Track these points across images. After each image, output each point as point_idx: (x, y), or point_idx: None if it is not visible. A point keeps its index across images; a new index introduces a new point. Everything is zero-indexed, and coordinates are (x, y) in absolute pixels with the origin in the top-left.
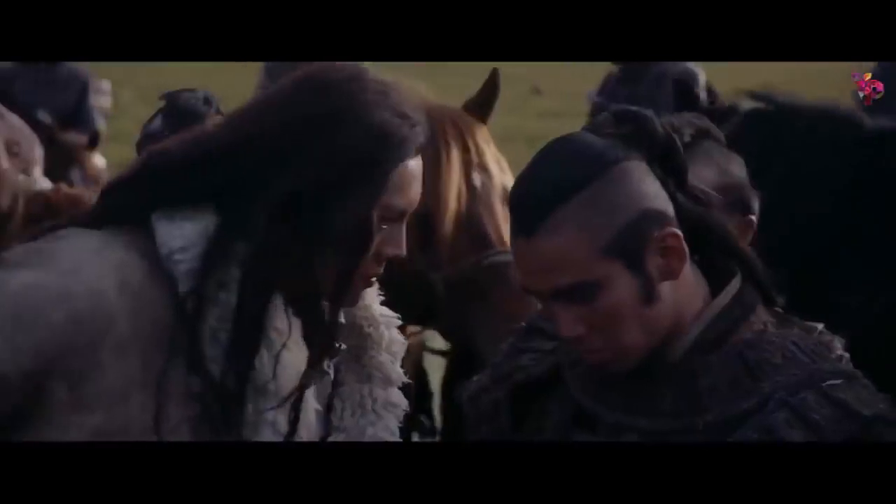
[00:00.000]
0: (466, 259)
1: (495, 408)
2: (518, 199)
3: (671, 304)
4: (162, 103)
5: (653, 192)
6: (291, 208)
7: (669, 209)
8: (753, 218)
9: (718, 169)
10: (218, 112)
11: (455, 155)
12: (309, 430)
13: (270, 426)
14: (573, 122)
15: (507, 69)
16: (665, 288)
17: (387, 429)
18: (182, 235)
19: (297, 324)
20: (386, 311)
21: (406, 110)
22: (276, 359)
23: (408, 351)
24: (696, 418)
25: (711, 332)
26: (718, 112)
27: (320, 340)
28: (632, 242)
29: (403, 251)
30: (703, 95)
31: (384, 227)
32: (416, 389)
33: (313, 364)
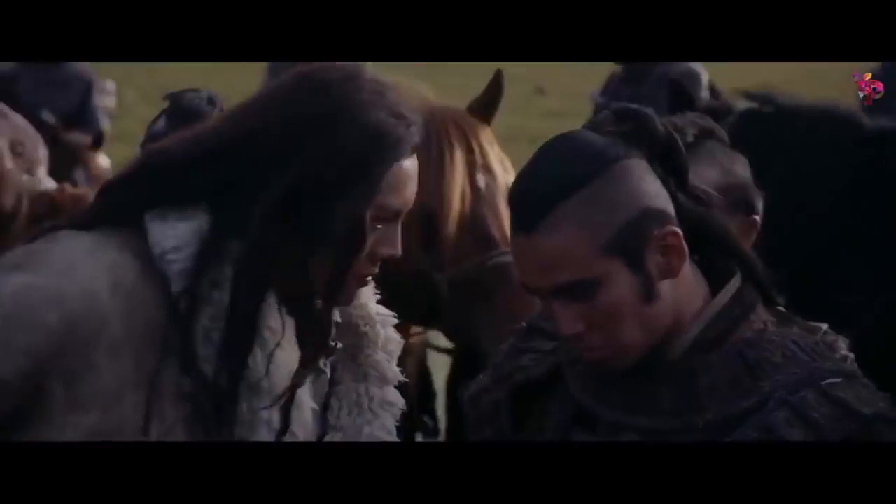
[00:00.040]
0: (470, 259)
1: (496, 408)
2: (518, 197)
3: (671, 303)
4: (166, 103)
5: (653, 191)
6: (286, 207)
7: (670, 208)
8: (757, 218)
9: (721, 169)
10: (222, 112)
11: (458, 155)
12: (306, 429)
13: (266, 425)
14: (576, 122)
15: (511, 69)
16: (665, 286)
17: (383, 427)
18: (175, 235)
19: (290, 323)
20: (382, 309)
21: (402, 110)
22: (270, 358)
23: (411, 350)
24: (696, 417)
25: (711, 330)
26: (713, 111)
27: (313, 340)
28: (632, 240)
29: (399, 251)
30: (705, 95)
31: (379, 226)
32: (420, 389)
33: (306, 363)
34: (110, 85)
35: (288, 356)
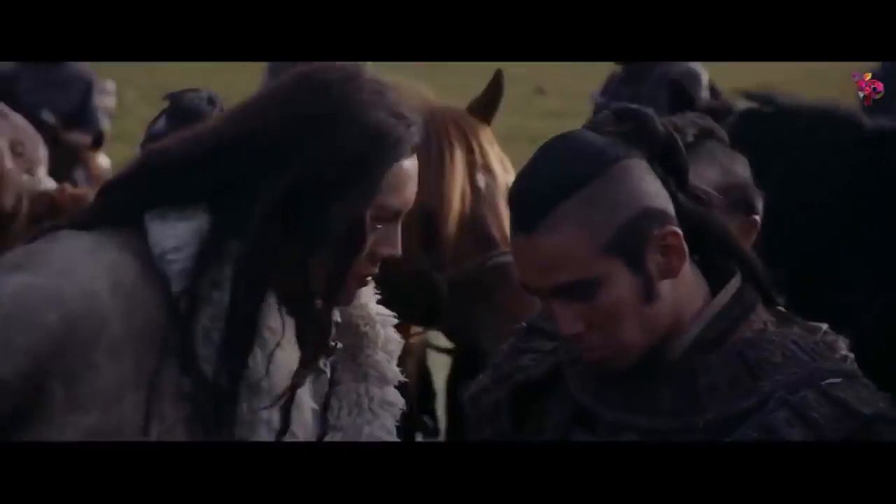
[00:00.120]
0: (470, 259)
1: (496, 408)
2: (518, 197)
3: (671, 303)
4: (166, 103)
5: (653, 191)
6: (286, 207)
7: (670, 208)
8: (757, 218)
9: (722, 169)
10: (222, 112)
11: (458, 155)
12: (306, 429)
13: (266, 425)
14: (576, 123)
15: (511, 69)
16: (665, 286)
17: (383, 427)
18: (175, 235)
19: (290, 323)
20: (382, 309)
21: (402, 110)
22: (270, 358)
23: (411, 350)
24: (696, 417)
25: (711, 330)
26: (712, 111)
27: (313, 340)
28: (632, 240)
29: (398, 251)
30: (705, 95)
31: (379, 226)
32: (420, 389)
33: (306, 363)
34: (110, 85)
35: (288, 356)
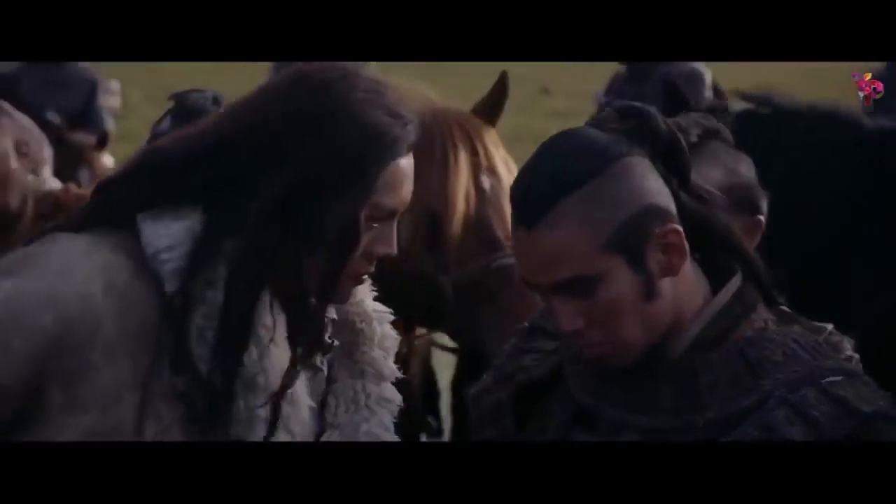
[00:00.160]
0: (475, 261)
1: (498, 408)
2: (520, 192)
3: (671, 301)
4: (170, 103)
5: (655, 189)
6: (283, 206)
7: (671, 206)
8: (761, 218)
9: (726, 169)
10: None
11: (463, 157)
12: (303, 426)
13: (264, 423)
14: (582, 122)
15: (516, 69)
16: (665, 284)
17: (381, 424)
18: (168, 235)
19: (281, 319)
20: (378, 306)
21: (399, 109)
22: (266, 355)
23: (416, 350)
24: (697, 416)
25: (712, 329)
26: (711, 112)
27: (307, 338)
28: (633, 237)
29: (395, 250)
30: (709, 95)
31: (375, 225)
32: (424, 389)
33: (297, 362)
34: (115, 85)
35: (283, 353)
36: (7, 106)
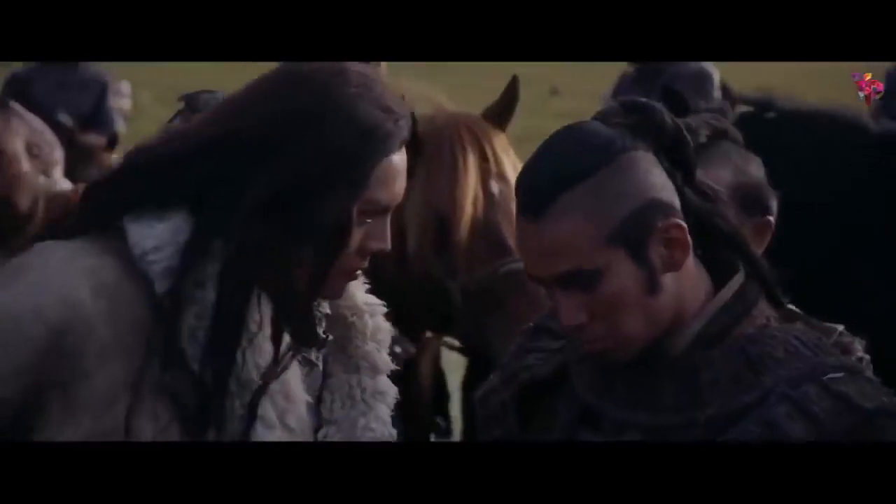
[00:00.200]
0: (483, 266)
1: (503, 408)
2: (524, 185)
3: (673, 296)
4: (181, 105)
5: (659, 183)
6: (273, 204)
7: (675, 201)
8: (771, 219)
9: (735, 169)
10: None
11: (471, 161)
12: (301, 422)
13: (261, 420)
14: None
15: (526, 70)
16: (668, 279)
17: (378, 418)
18: (154, 235)
19: (268, 314)
20: (370, 298)
21: (390, 104)
22: (258, 351)
23: (426, 351)
24: (698, 413)
25: (713, 326)
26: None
27: (297, 333)
28: (636, 231)
29: (388, 245)
30: (717, 95)
31: (368, 221)
32: (434, 391)
33: (281, 358)
34: (125, 87)
35: (269, 347)
36: (18, 107)
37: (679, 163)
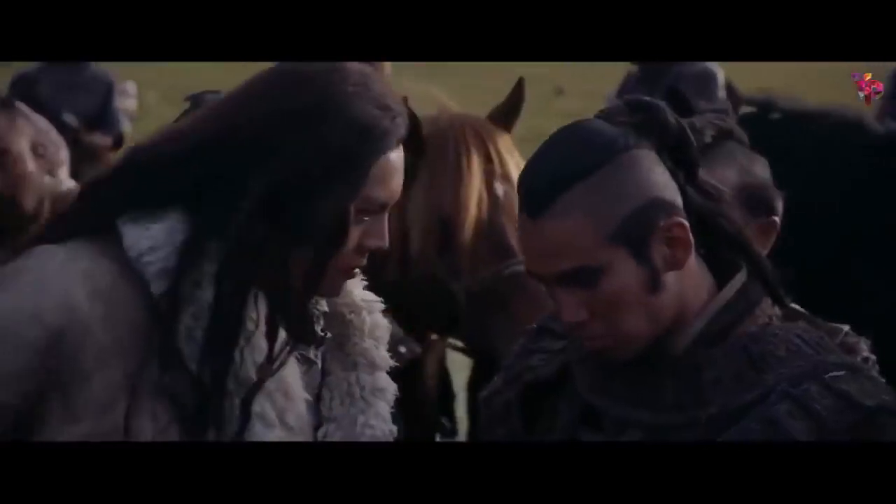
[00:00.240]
0: (486, 268)
1: (507, 409)
2: (526, 182)
3: (675, 295)
4: (186, 105)
5: (662, 182)
6: (270, 203)
7: (678, 199)
8: (776, 219)
9: (741, 169)
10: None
11: (476, 162)
12: (300, 420)
13: (260, 418)
14: None
15: (530, 70)
16: (670, 278)
17: (378, 415)
18: (149, 236)
19: (263, 312)
20: (368, 295)
21: (388, 102)
22: (255, 350)
23: (431, 352)
24: (700, 411)
25: (716, 324)
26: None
27: (294, 331)
28: (637, 230)
29: (386, 243)
30: (722, 94)
31: (365, 219)
32: (440, 391)
33: (274, 355)
34: (131, 87)
35: (264, 345)
36: (24, 107)
37: (682, 162)
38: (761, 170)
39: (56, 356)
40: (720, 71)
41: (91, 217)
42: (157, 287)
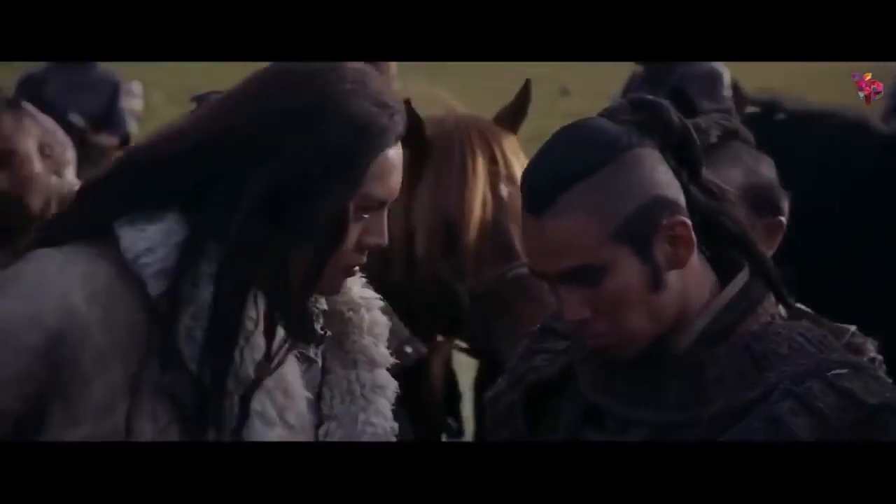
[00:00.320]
0: (491, 269)
1: (511, 410)
2: (529, 181)
3: (678, 294)
4: (193, 105)
5: (664, 181)
6: (269, 203)
7: (680, 198)
8: (783, 219)
9: (746, 169)
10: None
11: (481, 164)
12: (301, 418)
13: (261, 417)
14: None
15: (535, 70)
16: (672, 277)
17: (378, 413)
18: (146, 237)
19: (262, 310)
20: (367, 292)
21: (385, 99)
22: (254, 349)
23: (437, 353)
24: (703, 410)
25: (718, 323)
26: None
27: (293, 329)
28: (640, 228)
29: (385, 240)
30: (728, 94)
31: (365, 216)
32: (446, 391)
33: (272, 354)
34: (137, 88)
35: (262, 343)
36: (31, 108)
37: (685, 160)
38: (767, 170)
39: (56, 359)
40: (726, 71)
41: (90, 217)
42: (154, 288)
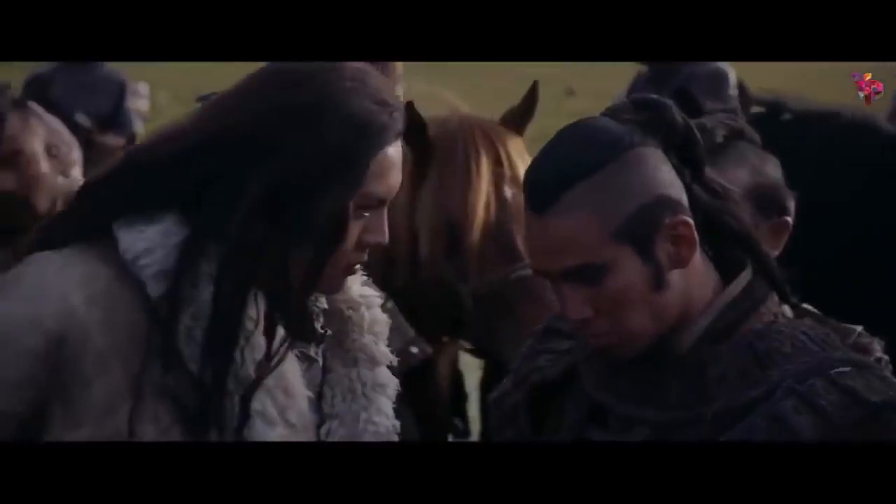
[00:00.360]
0: (494, 271)
1: (515, 411)
2: (532, 179)
3: (680, 293)
4: (198, 105)
5: (667, 180)
6: (269, 202)
7: (683, 197)
8: (789, 219)
9: (752, 170)
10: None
11: (485, 165)
12: (302, 417)
13: (262, 416)
14: None
15: (541, 70)
16: (674, 276)
17: (380, 411)
18: (145, 238)
19: (262, 309)
20: (367, 291)
21: (384, 97)
22: (255, 348)
23: (443, 353)
24: (705, 408)
25: (721, 322)
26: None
27: (294, 329)
28: (642, 228)
29: (385, 238)
30: (733, 94)
31: (365, 214)
32: (452, 392)
33: (272, 353)
34: (144, 88)
35: (262, 342)
36: (37, 108)
37: (688, 160)
38: (773, 170)
39: (56, 361)
40: (732, 71)
41: (89, 218)
42: (154, 289)
